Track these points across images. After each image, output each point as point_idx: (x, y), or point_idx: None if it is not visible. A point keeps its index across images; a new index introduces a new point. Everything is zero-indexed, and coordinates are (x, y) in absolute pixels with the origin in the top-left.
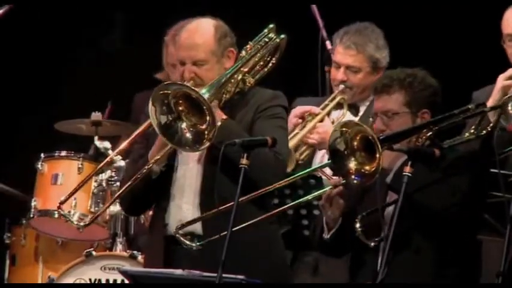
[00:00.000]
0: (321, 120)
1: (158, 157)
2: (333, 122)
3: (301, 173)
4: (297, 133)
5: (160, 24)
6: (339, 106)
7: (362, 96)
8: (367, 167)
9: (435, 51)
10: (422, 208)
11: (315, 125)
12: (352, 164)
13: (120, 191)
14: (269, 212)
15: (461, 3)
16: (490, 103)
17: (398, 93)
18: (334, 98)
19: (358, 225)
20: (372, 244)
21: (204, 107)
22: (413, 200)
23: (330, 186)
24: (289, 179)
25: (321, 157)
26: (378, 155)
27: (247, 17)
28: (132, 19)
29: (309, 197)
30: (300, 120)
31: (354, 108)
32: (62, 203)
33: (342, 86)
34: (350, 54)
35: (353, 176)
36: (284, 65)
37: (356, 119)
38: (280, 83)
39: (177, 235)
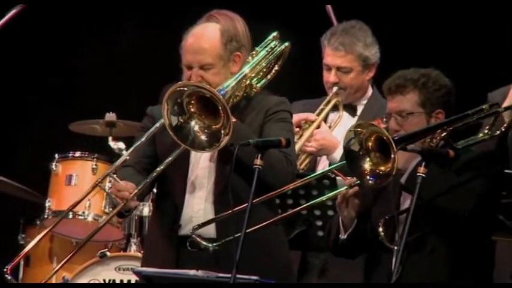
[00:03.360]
0: (318, 127)
1: (112, 215)
2: (330, 126)
3: (316, 174)
4: (295, 142)
5: (173, 23)
6: (335, 108)
7: (357, 95)
8: (382, 168)
9: (452, 51)
10: (437, 209)
11: (312, 133)
12: (367, 165)
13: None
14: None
15: (478, 2)
16: (505, 105)
17: (413, 93)
18: (329, 102)
19: (380, 229)
20: (396, 248)
21: (220, 107)
22: (427, 201)
23: (346, 187)
24: (305, 179)
25: (322, 163)
26: (392, 156)
27: (262, 16)
28: (145, 18)
29: (324, 197)
30: (297, 129)
31: (351, 109)
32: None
33: (335, 88)
34: (339, 55)
35: (368, 177)
36: (298, 65)
37: (354, 119)
38: (294, 83)
39: (193, 235)
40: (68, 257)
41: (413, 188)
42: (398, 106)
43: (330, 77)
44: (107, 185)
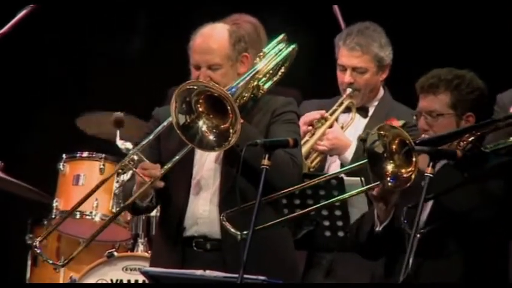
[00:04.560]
0: (331, 126)
1: (137, 195)
2: (342, 127)
3: (335, 172)
4: (307, 140)
5: (183, 24)
6: (347, 110)
7: (370, 96)
8: (403, 170)
9: (460, 52)
10: (455, 213)
11: (324, 132)
12: (390, 167)
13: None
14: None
15: (486, 2)
16: None
17: (444, 94)
18: (342, 103)
19: (403, 217)
20: (418, 235)
21: (228, 106)
22: (446, 205)
23: (378, 182)
24: (316, 179)
25: (332, 163)
26: (414, 159)
27: (270, 17)
28: (155, 19)
29: (346, 195)
30: (310, 128)
31: (362, 110)
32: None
33: (349, 90)
34: (355, 55)
35: (388, 178)
36: (306, 66)
37: (366, 121)
38: (303, 83)
39: (223, 222)
40: (78, 250)
41: (433, 192)
42: (429, 106)
43: (345, 77)
44: (114, 185)
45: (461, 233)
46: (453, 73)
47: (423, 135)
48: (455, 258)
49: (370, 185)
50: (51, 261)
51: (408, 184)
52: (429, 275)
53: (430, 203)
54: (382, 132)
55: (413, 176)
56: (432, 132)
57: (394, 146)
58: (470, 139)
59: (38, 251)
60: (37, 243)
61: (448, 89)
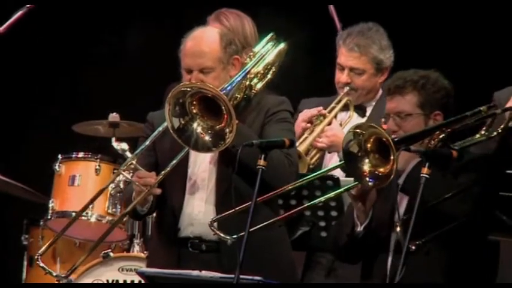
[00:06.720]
0: (329, 123)
1: (134, 203)
2: (340, 124)
3: (317, 173)
4: (306, 137)
5: (178, 24)
6: (345, 108)
7: (368, 97)
8: (381, 169)
9: (459, 51)
10: (435, 212)
11: (323, 129)
12: (366, 166)
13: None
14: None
15: (484, 3)
16: (510, 104)
17: (412, 94)
18: (340, 101)
19: (398, 229)
20: (413, 248)
21: (223, 107)
22: (423, 202)
23: (356, 182)
24: (305, 178)
25: (330, 159)
26: (392, 157)
27: (266, 16)
28: (150, 19)
29: (328, 196)
30: (309, 125)
31: (360, 110)
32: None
33: (346, 88)
34: (353, 56)
35: (367, 178)
36: (302, 66)
37: (363, 119)
38: (298, 83)
39: (212, 228)
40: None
41: (410, 188)
42: (397, 107)
43: (342, 77)
44: (110, 186)
45: (438, 229)
46: (418, 74)
47: (393, 136)
48: (434, 256)
49: (349, 185)
50: (54, 274)
51: (389, 181)
52: (409, 272)
53: (405, 201)
54: (358, 130)
55: (393, 172)
56: (402, 133)
57: (369, 145)
58: (440, 136)
59: (41, 265)
60: (39, 257)
61: (414, 89)
